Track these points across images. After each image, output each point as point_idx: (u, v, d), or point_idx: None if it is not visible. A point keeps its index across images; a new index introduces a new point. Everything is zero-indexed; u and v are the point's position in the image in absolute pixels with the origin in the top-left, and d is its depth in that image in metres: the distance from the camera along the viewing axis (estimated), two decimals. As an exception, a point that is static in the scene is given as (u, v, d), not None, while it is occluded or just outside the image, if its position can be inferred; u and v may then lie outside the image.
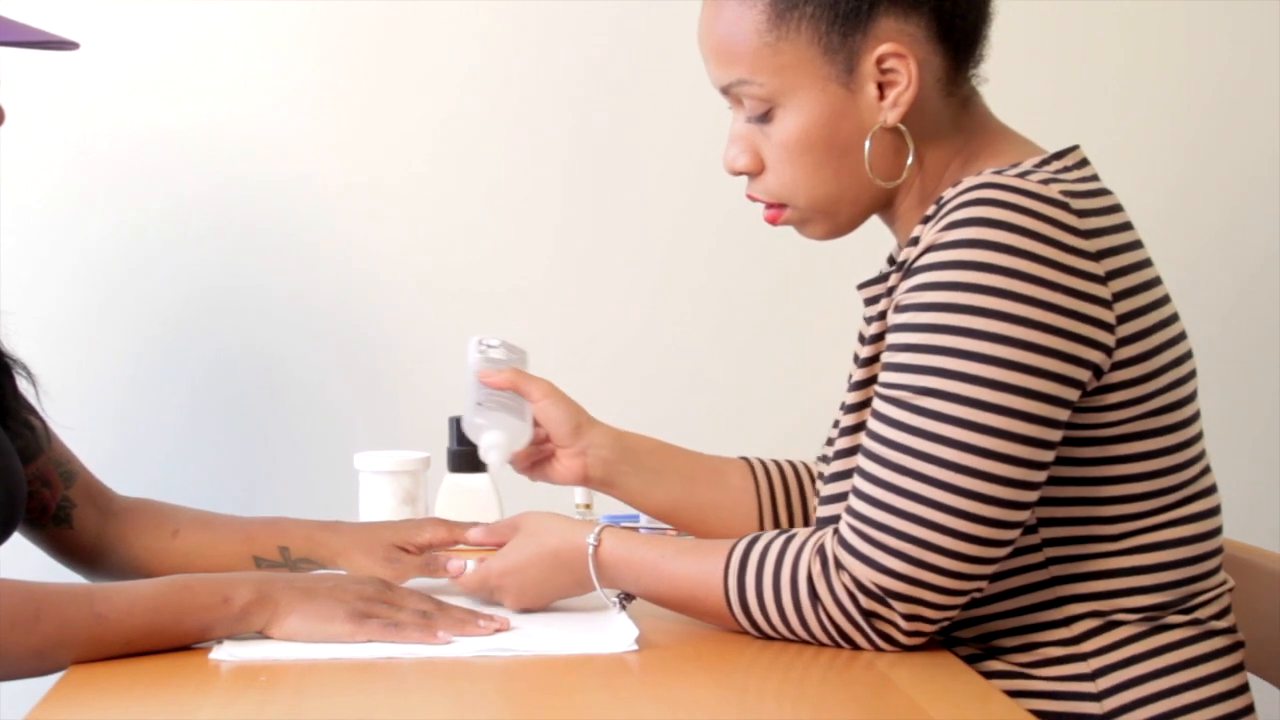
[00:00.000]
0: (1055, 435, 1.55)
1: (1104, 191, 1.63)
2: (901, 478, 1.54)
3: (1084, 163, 1.66)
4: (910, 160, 1.65)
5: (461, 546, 1.88)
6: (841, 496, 1.62)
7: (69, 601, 1.60)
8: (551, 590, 1.76)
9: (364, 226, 2.57)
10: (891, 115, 1.64)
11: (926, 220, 1.62)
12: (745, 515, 1.95)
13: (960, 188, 1.58)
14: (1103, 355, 1.56)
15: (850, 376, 1.71)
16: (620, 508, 2.20)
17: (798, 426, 2.23)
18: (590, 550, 1.70)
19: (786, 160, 1.67)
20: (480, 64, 2.58)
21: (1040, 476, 1.55)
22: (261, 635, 1.66)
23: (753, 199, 1.73)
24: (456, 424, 2.14)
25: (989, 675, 1.62)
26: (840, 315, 2.13)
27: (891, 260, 1.82)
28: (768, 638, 1.64)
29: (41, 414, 1.96)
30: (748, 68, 1.65)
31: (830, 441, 1.76)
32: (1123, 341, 1.57)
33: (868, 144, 1.64)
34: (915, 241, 1.61)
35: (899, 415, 1.55)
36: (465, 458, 2.13)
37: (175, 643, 1.63)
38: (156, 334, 2.54)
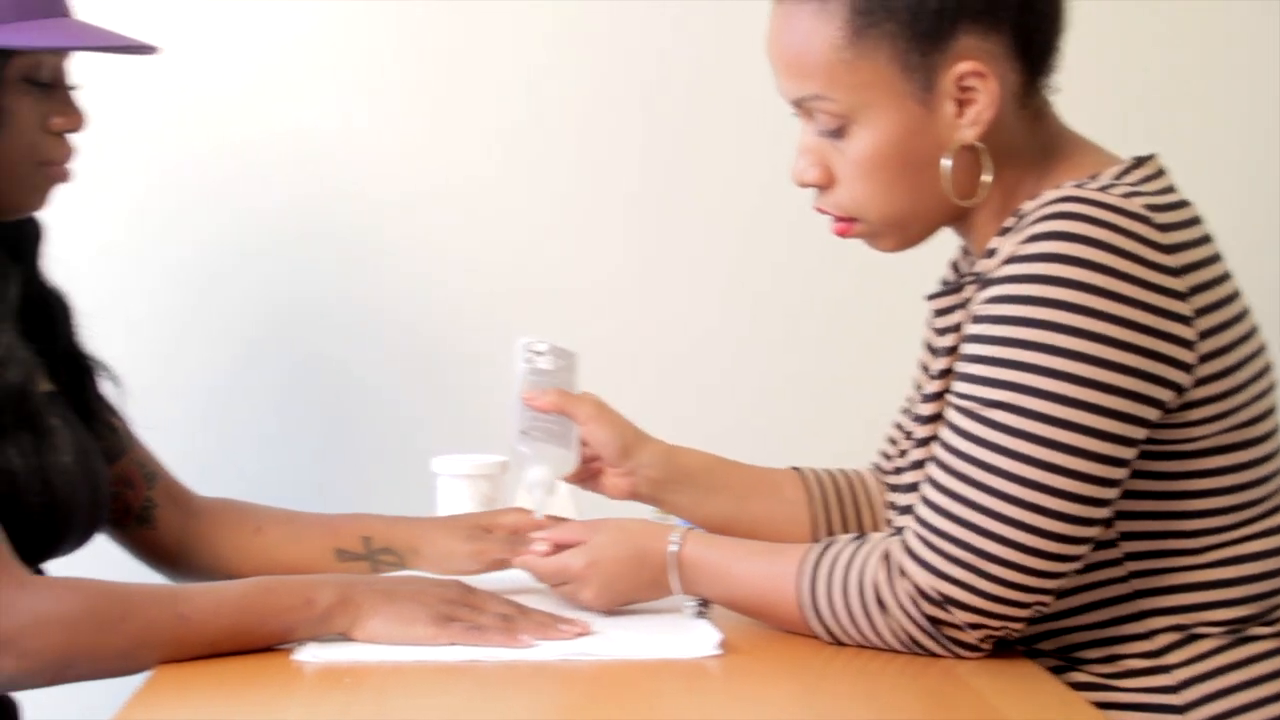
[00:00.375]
0: (1129, 453, 1.53)
1: (1184, 204, 1.61)
2: (967, 487, 1.53)
3: (1161, 173, 1.63)
4: (986, 178, 1.63)
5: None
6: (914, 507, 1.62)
7: (154, 602, 1.61)
8: (630, 588, 1.75)
9: (440, 234, 2.58)
10: (970, 133, 1.61)
11: (1004, 232, 1.60)
12: (799, 528, 1.94)
13: (1040, 200, 1.56)
14: (1183, 373, 1.55)
15: (920, 387, 1.70)
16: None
17: (858, 434, 2.22)
18: (672, 552, 1.70)
19: (860, 176, 1.64)
20: (548, 68, 2.59)
21: (1110, 494, 1.54)
22: (344, 637, 1.66)
23: (821, 211, 1.70)
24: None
25: (1071, 686, 1.61)
26: (902, 323, 2.13)
27: (956, 269, 1.81)
28: (842, 645, 1.63)
29: (123, 415, 1.98)
30: (823, 83, 1.61)
31: (903, 453, 1.75)
32: (1205, 358, 1.56)
33: (946, 163, 1.62)
34: (992, 253, 1.60)
35: (969, 426, 1.54)
36: (543, 462, 2.15)
37: (259, 644, 1.64)
38: (241, 340, 2.56)
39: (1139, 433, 1.53)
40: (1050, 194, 1.56)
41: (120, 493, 1.96)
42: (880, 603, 1.57)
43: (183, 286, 2.55)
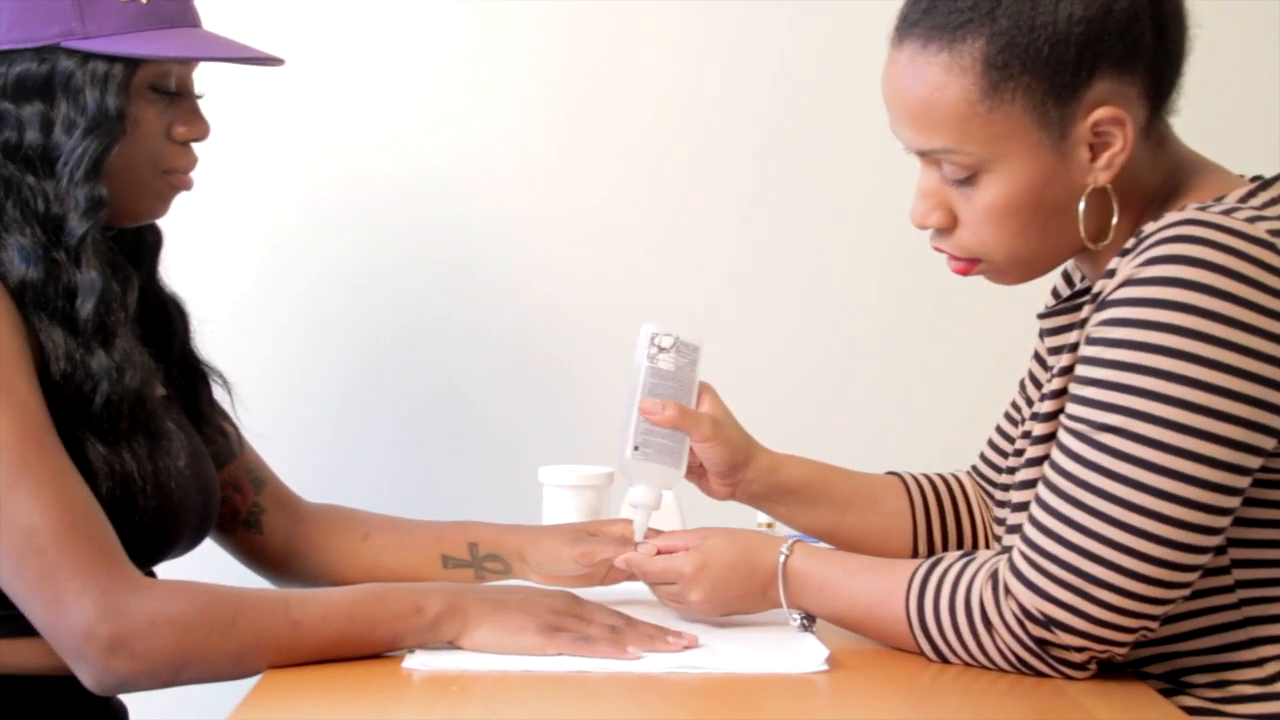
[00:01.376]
0: (1242, 481, 1.51)
1: None
2: (1076, 510, 1.51)
3: None
4: (1115, 220, 1.61)
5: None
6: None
7: (266, 608, 1.62)
8: (737, 596, 1.75)
9: (548, 250, 2.61)
10: (1103, 176, 1.59)
11: (1125, 253, 1.57)
12: (900, 538, 1.94)
13: (1162, 222, 1.54)
14: None
15: (1032, 404, 1.69)
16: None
17: (963, 437, 2.22)
18: (781, 561, 1.70)
19: (989, 223, 1.61)
20: (666, 89, 2.62)
21: (1219, 521, 1.51)
22: (452, 645, 1.67)
23: (940, 251, 1.68)
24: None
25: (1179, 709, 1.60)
26: (1009, 332, 2.12)
27: (1069, 281, 1.79)
28: (951, 664, 1.62)
29: (234, 421, 2.00)
30: (955, 137, 1.58)
31: (1012, 470, 1.74)
32: None
33: (1082, 206, 1.59)
34: (1111, 274, 1.57)
35: (1079, 448, 1.52)
36: (649, 474, 2.15)
37: (368, 650, 1.65)
38: (364, 354, 2.60)
39: (1253, 461, 1.51)
40: (1172, 215, 1.53)
41: (229, 497, 1.98)
42: (987, 622, 1.56)
43: (317, 302, 2.59)
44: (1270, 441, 1.51)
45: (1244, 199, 1.57)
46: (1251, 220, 1.52)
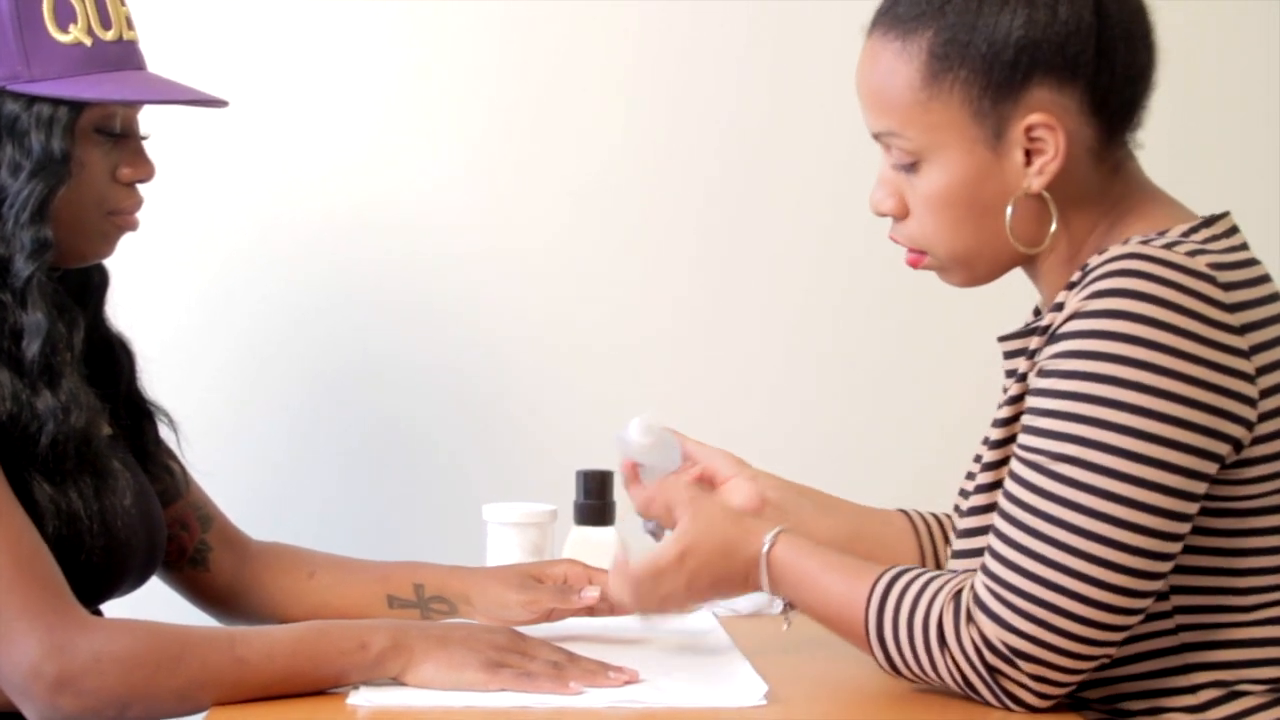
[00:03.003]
0: (1191, 508, 1.55)
1: (1252, 262, 1.62)
2: (1036, 541, 1.54)
3: (1234, 230, 1.65)
4: (1054, 228, 1.66)
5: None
6: (974, 552, 1.63)
7: (211, 645, 1.63)
8: (722, 583, 1.73)
9: (494, 288, 2.62)
10: (1036, 183, 1.64)
11: (1071, 286, 1.61)
12: (909, 559, 1.95)
13: (1106, 256, 1.58)
14: (1243, 430, 1.56)
15: (987, 434, 1.72)
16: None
17: (927, 475, 2.24)
18: (764, 551, 1.70)
19: (928, 212, 1.68)
20: (615, 125, 2.65)
21: (1174, 548, 1.55)
22: (397, 681, 1.68)
23: (894, 241, 1.73)
24: (584, 477, 2.17)
25: (1115, 737, 1.63)
26: (978, 364, 2.14)
27: (1038, 313, 1.82)
28: (900, 675, 1.64)
29: (181, 460, 2.01)
30: (898, 120, 1.66)
31: (965, 494, 1.77)
32: (1265, 416, 1.57)
33: (1009, 209, 1.65)
34: (1059, 307, 1.61)
35: (1036, 479, 1.55)
36: (592, 511, 2.17)
37: (313, 687, 1.66)
38: (306, 393, 2.61)
39: (1200, 487, 1.55)
40: (1115, 249, 1.58)
41: (175, 535, 1.99)
42: (942, 641, 1.58)
43: (257, 340, 2.60)
44: (1213, 467, 1.55)
45: (1186, 234, 1.62)
46: (1192, 254, 1.56)
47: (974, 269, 1.71)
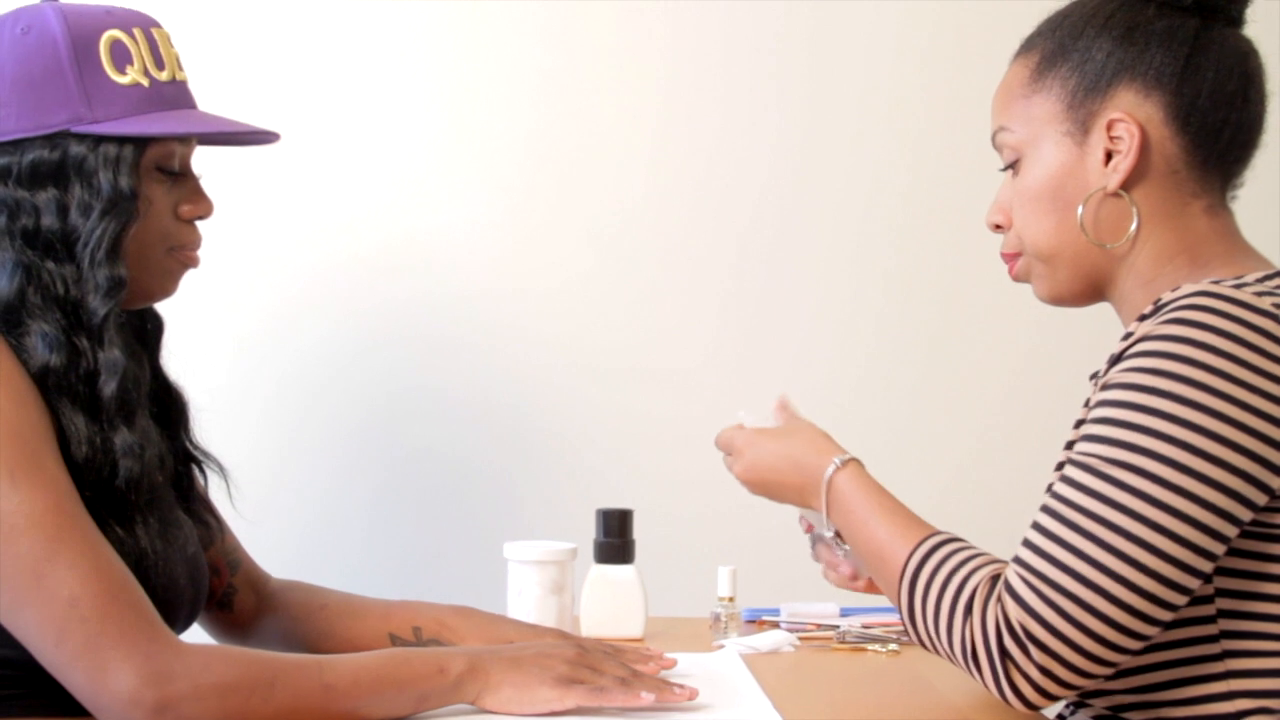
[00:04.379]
0: (1230, 529, 1.61)
1: None
2: (1075, 536, 1.60)
3: None
4: (1133, 228, 1.76)
5: None
6: None
7: (302, 672, 1.66)
8: (775, 480, 1.90)
9: (518, 330, 2.67)
10: (1112, 180, 1.75)
11: (1143, 318, 1.69)
12: None
13: (1180, 293, 1.66)
14: None
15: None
16: (756, 602, 2.29)
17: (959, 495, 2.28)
18: (829, 473, 1.83)
19: (1020, 207, 1.80)
20: (645, 171, 2.70)
21: (1206, 565, 1.61)
22: (474, 705, 1.72)
23: (1002, 257, 1.86)
24: (603, 516, 2.23)
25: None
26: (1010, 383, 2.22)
27: None
28: (914, 630, 1.72)
29: (214, 509, 2.04)
30: (1009, 113, 1.81)
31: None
32: None
33: (1083, 201, 1.76)
34: (1128, 336, 1.69)
35: (1086, 480, 1.62)
36: (611, 549, 2.22)
37: (395, 713, 1.69)
38: (341, 436, 2.66)
39: (1244, 512, 1.61)
40: (1189, 287, 1.66)
41: (209, 579, 2.01)
42: (969, 609, 1.65)
43: (295, 385, 2.64)
44: (1262, 497, 1.61)
45: (1260, 279, 1.70)
46: (1259, 295, 1.64)
47: (1056, 269, 1.80)
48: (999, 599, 1.63)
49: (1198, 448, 1.59)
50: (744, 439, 1.93)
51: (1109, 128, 1.75)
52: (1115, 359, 1.68)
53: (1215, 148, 1.76)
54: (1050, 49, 1.79)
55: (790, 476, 1.88)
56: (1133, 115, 1.74)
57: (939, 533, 1.75)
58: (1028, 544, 1.63)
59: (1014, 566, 1.63)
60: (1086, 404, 1.74)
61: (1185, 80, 1.74)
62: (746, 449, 1.93)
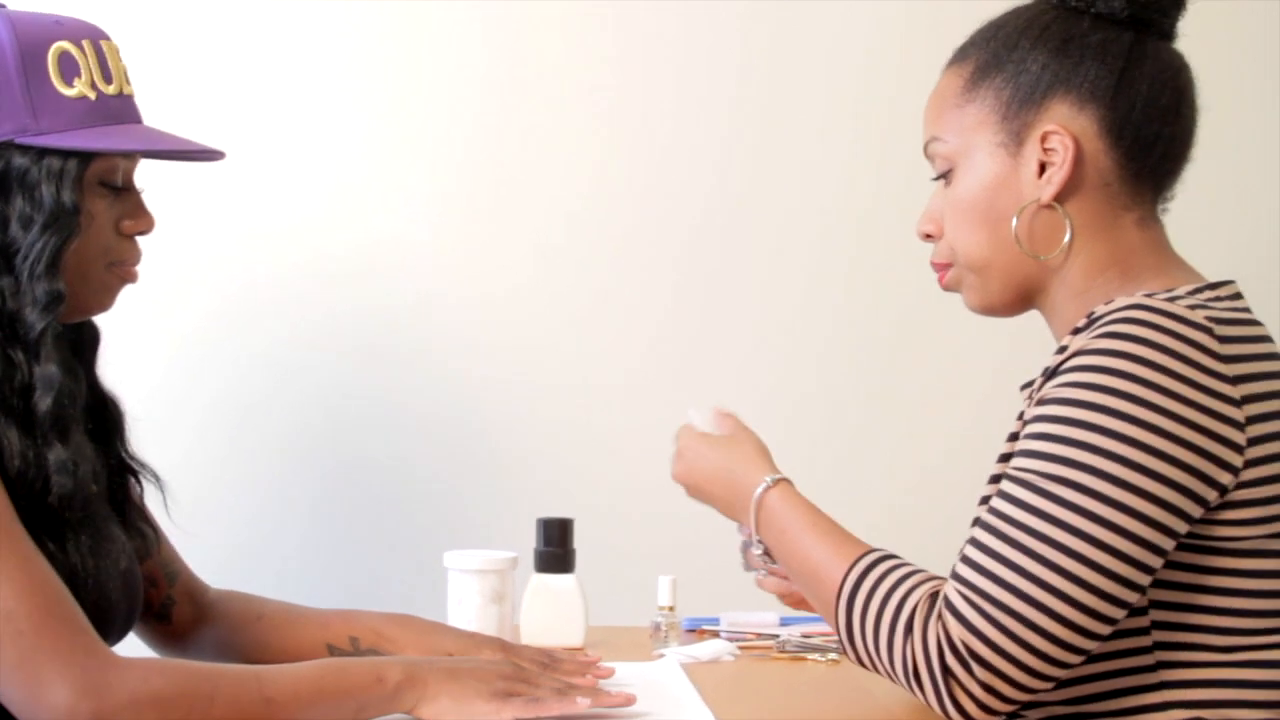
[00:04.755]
0: (1168, 543, 1.62)
1: (1254, 322, 1.72)
2: (1014, 552, 1.61)
3: (1237, 296, 1.75)
4: (1066, 239, 1.76)
5: None
6: None
7: (240, 683, 1.66)
8: (707, 491, 1.91)
9: (458, 338, 2.66)
10: (1046, 191, 1.75)
11: (1076, 332, 1.70)
12: None
13: (1112, 306, 1.67)
14: (1229, 474, 1.63)
15: (993, 472, 1.78)
16: (696, 611, 2.30)
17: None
18: (758, 492, 1.83)
19: (953, 217, 1.80)
20: (589, 181, 2.71)
21: (1144, 579, 1.62)
22: (410, 715, 1.72)
23: (932, 265, 1.85)
24: (544, 525, 2.23)
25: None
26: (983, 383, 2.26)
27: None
28: (853, 651, 1.71)
29: (152, 518, 2.03)
30: (940, 126, 1.81)
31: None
32: (1251, 463, 1.64)
33: (1017, 215, 1.76)
34: (1063, 349, 1.69)
35: (1023, 495, 1.62)
36: (552, 558, 2.23)
37: None
38: (280, 446, 2.65)
39: (1180, 525, 1.62)
40: (1122, 300, 1.67)
41: (144, 591, 1.99)
42: (909, 628, 1.65)
43: (230, 393, 2.63)
44: (1197, 509, 1.63)
45: (1191, 292, 1.71)
46: (1193, 308, 1.66)
47: (988, 280, 1.80)
48: (939, 616, 1.63)
49: (1135, 462, 1.59)
50: (685, 441, 1.94)
51: (1043, 139, 1.75)
52: (1050, 373, 1.68)
53: (1148, 161, 1.77)
54: (984, 59, 1.79)
55: (721, 490, 1.89)
56: (1067, 128, 1.75)
57: (874, 550, 1.74)
58: (966, 560, 1.64)
59: (953, 584, 1.64)
60: (1020, 417, 1.74)
61: (1120, 94, 1.75)
62: (686, 452, 1.93)
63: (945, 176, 1.81)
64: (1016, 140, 1.76)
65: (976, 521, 1.66)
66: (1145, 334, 1.62)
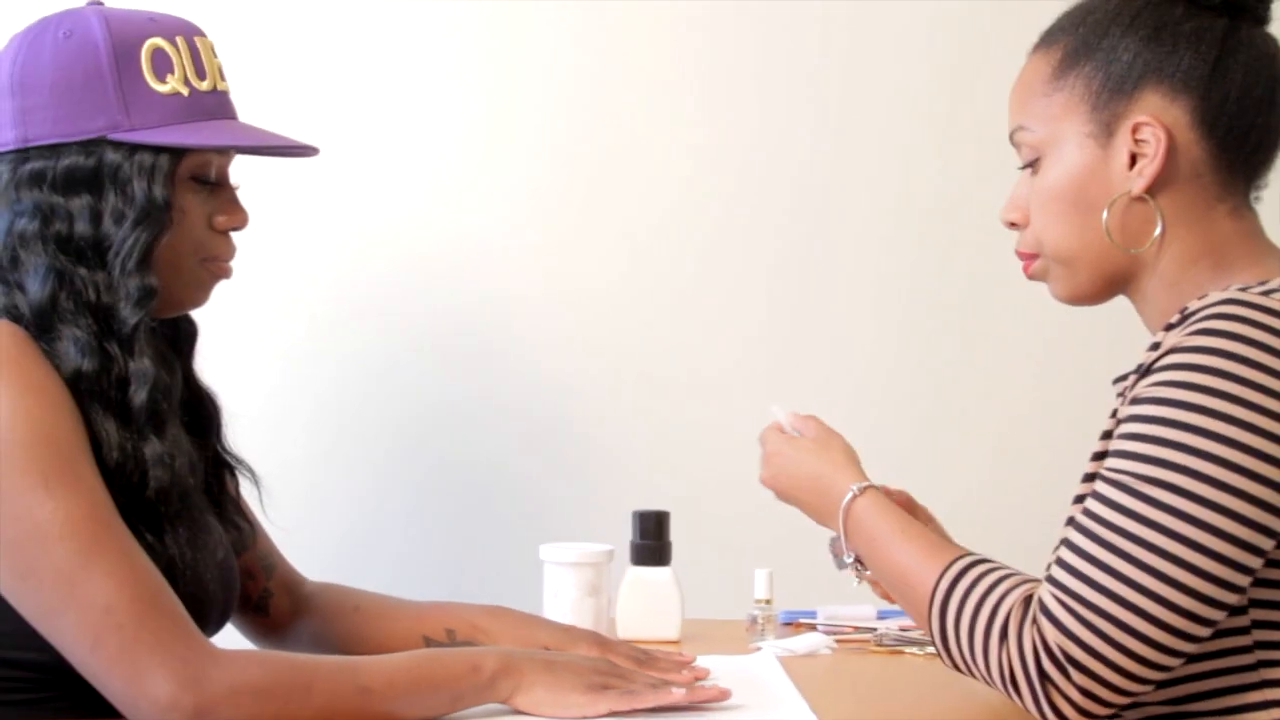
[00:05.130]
0: (1267, 543, 1.58)
1: None
2: (1111, 556, 1.58)
3: None
4: (1157, 232, 1.72)
5: None
6: None
7: (336, 674, 1.67)
8: (795, 496, 1.89)
9: (554, 333, 2.67)
10: (1137, 184, 1.71)
11: (1170, 328, 1.66)
12: None
13: (1207, 300, 1.63)
14: None
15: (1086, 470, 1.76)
16: (793, 605, 2.29)
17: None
18: (845, 501, 1.80)
19: (1040, 208, 1.76)
20: (679, 172, 2.70)
21: (1244, 580, 1.58)
22: (507, 706, 1.72)
23: (1018, 254, 1.81)
24: (639, 518, 2.23)
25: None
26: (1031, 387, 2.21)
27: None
28: (948, 656, 1.69)
29: (247, 513, 2.04)
30: (1028, 112, 1.76)
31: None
32: None
33: (1108, 208, 1.72)
34: (1156, 347, 1.66)
35: (1120, 498, 1.59)
36: (648, 551, 2.22)
37: (430, 713, 1.69)
38: (382, 439, 2.66)
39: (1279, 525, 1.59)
40: (1216, 295, 1.63)
41: (242, 584, 2.02)
42: (1004, 634, 1.62)
43: (335, 393, 2.65)
44: None
45: None
46: None
47: (1075, 274, 1.77)
48: (1034, 621, 1.60)
49: (1233, 462, 1.56)
50: (773, 446, 1.91)
51: (1134, 131, 1.71)
52: (1144, 370, 1.65)
53: (1242, 152, 1.72)
54: (1073, 45, 1.75)
55: (810, 496, 1.86)
56: (1159, 119, 1.70)
57: (966, 554, 1.72)
58: (1061, 563, 1.61)
59: (1048, 587, 1.61)
60: (1114, 415, 1.71)
61: (1213, 83, 1.71)
62: (774, 457, 1.91)
63: (1032, 165, 1.77)
64: (1107, 131, 1.72)
65: (1070, 522, 1.64)
66: (1241, 330, 1.59)
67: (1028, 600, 1.63)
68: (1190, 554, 1.56)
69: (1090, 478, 1.68)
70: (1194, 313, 1.63)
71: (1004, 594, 1.64)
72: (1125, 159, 1.72)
